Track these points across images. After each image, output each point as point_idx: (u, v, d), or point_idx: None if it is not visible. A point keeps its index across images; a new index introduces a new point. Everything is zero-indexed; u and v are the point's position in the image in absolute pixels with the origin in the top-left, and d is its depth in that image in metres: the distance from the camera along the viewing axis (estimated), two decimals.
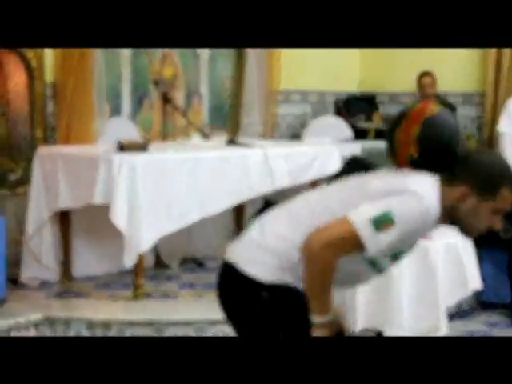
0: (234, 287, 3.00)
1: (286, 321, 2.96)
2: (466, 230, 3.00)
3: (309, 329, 2.92)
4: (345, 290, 3.18)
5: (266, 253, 2.91)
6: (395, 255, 2.96)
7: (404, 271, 4.57)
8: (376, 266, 2.98)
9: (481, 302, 6.23)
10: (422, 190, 2.77)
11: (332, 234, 2.74)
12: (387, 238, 2.73)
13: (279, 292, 2.92)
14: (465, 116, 7.88)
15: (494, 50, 7.67)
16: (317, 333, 2.88)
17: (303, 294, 2.90)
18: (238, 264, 2.93)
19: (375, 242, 2.73)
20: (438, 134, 2.93)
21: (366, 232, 2.70)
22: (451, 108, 7.55)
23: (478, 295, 5.87)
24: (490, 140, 7.63)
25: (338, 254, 2.75)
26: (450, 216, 2.89)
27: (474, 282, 4.98)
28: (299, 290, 2.91)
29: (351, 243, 2.74)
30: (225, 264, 3.00)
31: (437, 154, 2.92)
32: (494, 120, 7.62)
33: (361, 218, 2.71)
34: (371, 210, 2.72)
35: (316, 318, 2.87)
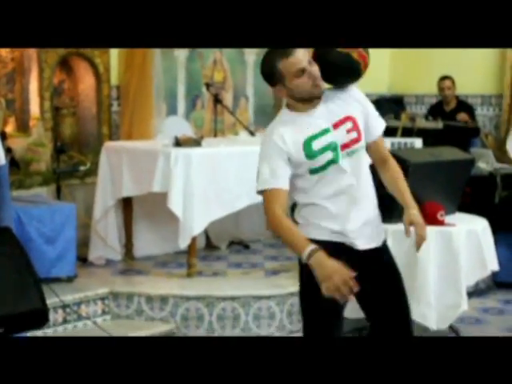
0: None
1: None
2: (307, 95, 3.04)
3: None
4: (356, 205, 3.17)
5: None
6: (316, 155, 3.04)
7: (430, 254, 4.53)
8: (339, 164, 3.06)
9: (496, 282, 6.17)
10: (270, 127, 3.09)
11: (265, 201, 3.01)
12: (263, 170, 3.01)
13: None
14: (483, 115, 7.78)
15: (511, 54, 7.54)
16: (311, 263, 2.87)
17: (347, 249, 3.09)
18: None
19: (262, 181, 3.00)
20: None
21: (258, 183, 3.02)
22: (469, 108, 7.43)
23: (493, 275, 5.79)
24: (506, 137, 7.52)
25: (271, 210, 2.97)
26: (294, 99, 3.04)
27: (492, 264, 4.92)
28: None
29: (265, 199, 2.99)
30: None
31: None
32: (510, 119, 7.51)
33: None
34: None
35: (301, 257, 2.91)
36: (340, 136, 3.03)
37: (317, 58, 3.03)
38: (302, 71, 2.94)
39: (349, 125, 3.06)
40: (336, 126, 3.04)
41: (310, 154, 2.99)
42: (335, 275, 2.73)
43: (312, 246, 2.84)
